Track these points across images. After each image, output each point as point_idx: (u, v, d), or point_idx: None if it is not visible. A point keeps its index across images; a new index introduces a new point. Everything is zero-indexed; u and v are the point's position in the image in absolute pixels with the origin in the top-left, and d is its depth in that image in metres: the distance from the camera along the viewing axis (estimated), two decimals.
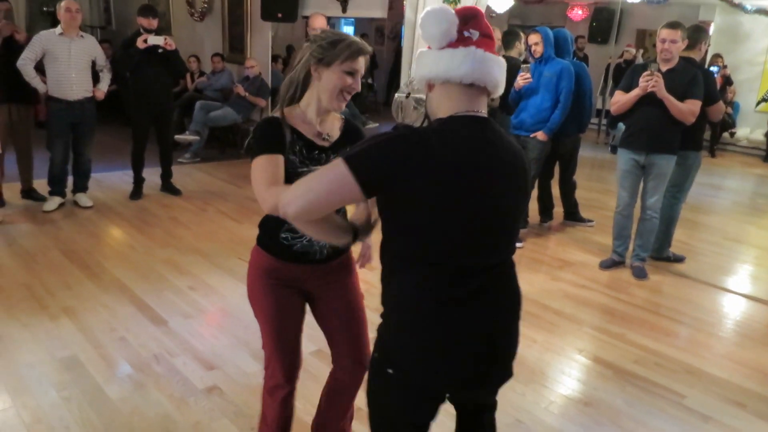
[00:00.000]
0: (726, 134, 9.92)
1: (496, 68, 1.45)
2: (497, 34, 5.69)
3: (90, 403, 2.58)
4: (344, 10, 6.59)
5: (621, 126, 8.82)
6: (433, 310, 1.41)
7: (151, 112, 5.38)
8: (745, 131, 10.08)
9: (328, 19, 5.41)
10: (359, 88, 1.84)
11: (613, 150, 9.18)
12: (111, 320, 3.29)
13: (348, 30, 13.72)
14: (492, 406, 1.77)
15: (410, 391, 1.49)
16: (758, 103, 10.12)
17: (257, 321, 2.02)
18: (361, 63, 1.80)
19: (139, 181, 5.55)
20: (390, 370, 1.47)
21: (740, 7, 8.30)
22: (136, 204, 5.39)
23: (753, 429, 2.69)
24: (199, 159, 7.13)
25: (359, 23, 13.13)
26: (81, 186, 5.22)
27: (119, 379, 2.78)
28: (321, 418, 2.25)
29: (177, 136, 6.83)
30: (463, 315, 1.42)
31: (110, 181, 6.00)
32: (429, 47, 1.46)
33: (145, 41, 5.05)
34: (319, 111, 1.85)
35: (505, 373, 1.57)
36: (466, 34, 1.42)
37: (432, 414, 1.57)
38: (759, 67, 9.97)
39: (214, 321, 3.42)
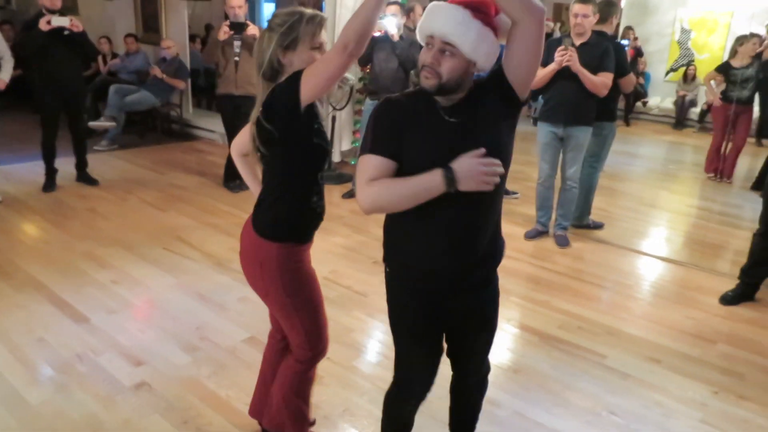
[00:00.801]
0: (639, 104, 10.39)
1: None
2: (418, 11, 5.70)
3: (8, 409, 2.45)
4: None
5: (541, 99, 9.10)
6: None
7: (61, 98, 5.08)
8: (657, 100, 10.59)
9: None
10: None
11: (535, 122, 9.43)
12: (27, 321, 3.13)
13: (269, 6, 13.35)
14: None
15: None
16: (667, 73, 10.63)
17: (297, 313, 1.99)
18: (324, 34, 1.84)
19: (51, 172, 5.25)
20: None
21: None
22: (49, 196, 5.10)
23: (667, 382, 2.88)
24: (116, 146, 6.81)
25: None
26: None
27: (40, 383, 2.65)
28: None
29: (91, 123, 6.50)
30: None
31: (20, 173, 5.65)
32: None
33: (49, 23, 4.73)
34: None
35: None
36: None
37: None
38: (667, 38, 10.46)
39: (140, 314, 3.31)
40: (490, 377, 2.17)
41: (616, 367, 2.99)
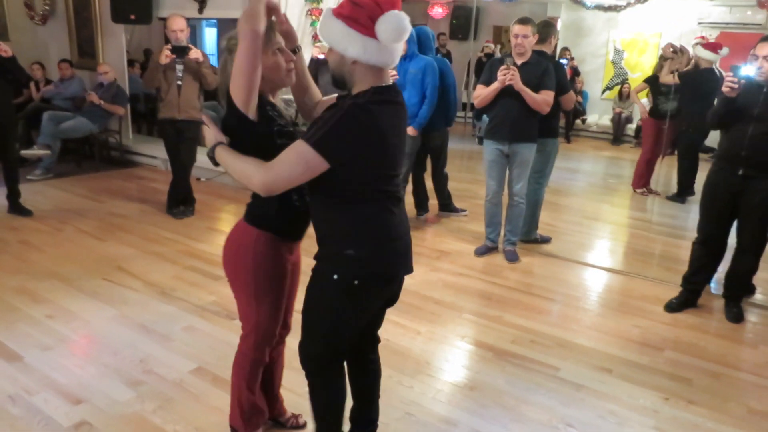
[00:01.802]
0: (578, 121, 10.72)
1: None
2: None
3: None
4: (201, 11, 6.32)
5: (486, 118, 9.27)
6: None
7: None
8: (595, 117, 10.95)
9: (188, 20, 5.15)
10: (293, 57, 1.98)
11: (480, 141, 9.57)
12: None
13: (211, 32, 13.20)
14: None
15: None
16: (603, 91, 11.03)
17: (256, 300, 2.08)
18: (278, 35, 1.93)
19: None
20: None
21: (581, 4, 9.01)
22: None
23: (619, 391, 2.91)
24: (52, 175, 6.53)
25: (223, 24, 12.68)
26: None
27: None
28: (272, 389, 2.44)
29: (23, 152, 6.21)
30: None
31: None
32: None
33: None
34: (275, 91, 2.03)
35: None
36: None
37: None
38: (602, 59, 10.86)
39: (79, 350, 3.13)
40: (445, 396, 2.15)
41: (570, 378, 3.00)
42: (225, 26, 12.69)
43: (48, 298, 3.64)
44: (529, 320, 3.62)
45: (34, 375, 2.84)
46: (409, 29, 1.75)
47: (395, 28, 1.72)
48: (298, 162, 1.72)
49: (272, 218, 2.02)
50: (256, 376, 2.22)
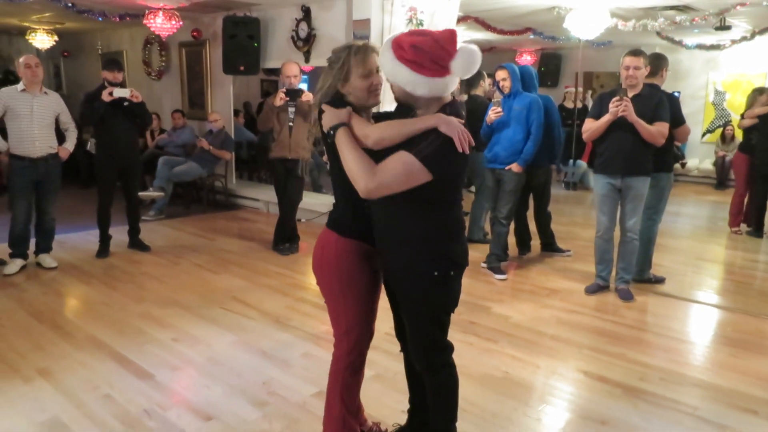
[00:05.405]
0: (677, 165, 10.31)
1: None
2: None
3: None
4: (307, 60, 6.65)
5: (579, 163, 9.09)
6: None
7: (118, 166, 5.22)
8: (695, 162, 10.52)
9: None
10: (381, 81, 2.09)
11: (568, 186, 9.36)
12: (92, 378, 3.06)
13: (302, 86, 13.79)
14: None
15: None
16: (704, 135, 10.62)
17: (337, 302, 2.20)
18: (373, 60, 2.05)
19: (105, 238, 5.32)
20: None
21: (680, 44, 8.79)
22: (103, 262, 5.15)
23: None
24: (163, 216, 6.93)
25: (314, 77, 13.24)
26: (44, 247, 4.96)
27: None
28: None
29: (140, 194, 6.61)
30: None
31: (73, 241, 5.74)
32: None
33: (111, 94, 4.95)
34: (362, 110, 2.11)
35: None
36: None
37: None
38: (701, 101, 10.51)
39: (205, 371, 3.21)
40: (574, 429, 2.05)
41: (711, 418, 2.79)
42: (315, 79, 13.25)
43: (172, 323, 3.80)
44: (654, 358, 3.42)
45: (165, 392, 2.95)
46: (480, 57, 1.91)
47: (470, 61, 1.89)
48: (404, 173, 1.88)
49: (350, 223, 2.14)
50: (351, 386, 2.26)
